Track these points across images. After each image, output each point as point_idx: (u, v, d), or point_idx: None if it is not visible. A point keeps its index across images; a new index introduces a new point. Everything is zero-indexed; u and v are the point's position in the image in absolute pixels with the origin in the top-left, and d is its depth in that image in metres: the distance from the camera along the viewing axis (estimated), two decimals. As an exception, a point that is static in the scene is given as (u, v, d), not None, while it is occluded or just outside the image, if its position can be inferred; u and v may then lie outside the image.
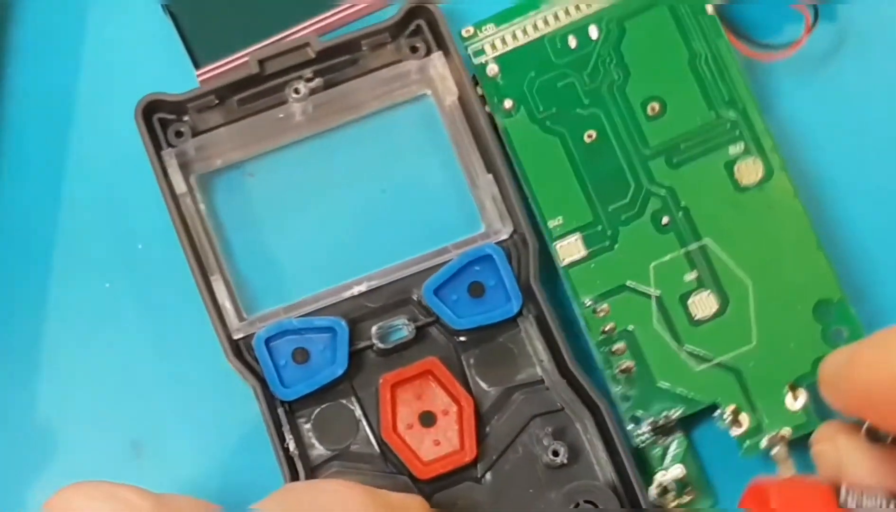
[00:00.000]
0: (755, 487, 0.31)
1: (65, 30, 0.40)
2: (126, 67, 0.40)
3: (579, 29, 0.37)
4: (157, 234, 0.38)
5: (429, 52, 0.39)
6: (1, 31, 0.40)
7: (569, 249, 0.36)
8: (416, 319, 0.37)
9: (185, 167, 0.38)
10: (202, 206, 0.38)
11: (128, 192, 0.39)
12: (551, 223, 0.36)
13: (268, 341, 0.36)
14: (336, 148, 0.39)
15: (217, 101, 0.38)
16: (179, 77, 0.38)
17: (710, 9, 0.37)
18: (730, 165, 0.36)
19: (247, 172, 0.39)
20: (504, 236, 0.37)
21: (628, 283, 0.36)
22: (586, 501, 0.35)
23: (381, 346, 0.36)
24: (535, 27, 0.37)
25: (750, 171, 0.36)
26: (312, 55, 0.38)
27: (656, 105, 0.36)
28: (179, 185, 0.37)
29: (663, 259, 0.36)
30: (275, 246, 0.38)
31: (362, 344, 0.37)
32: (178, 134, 0.38)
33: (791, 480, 0.33)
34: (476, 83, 0.37)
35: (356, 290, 0.37)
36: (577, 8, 0.37)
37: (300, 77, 0.38)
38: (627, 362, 0.36)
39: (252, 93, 0.38)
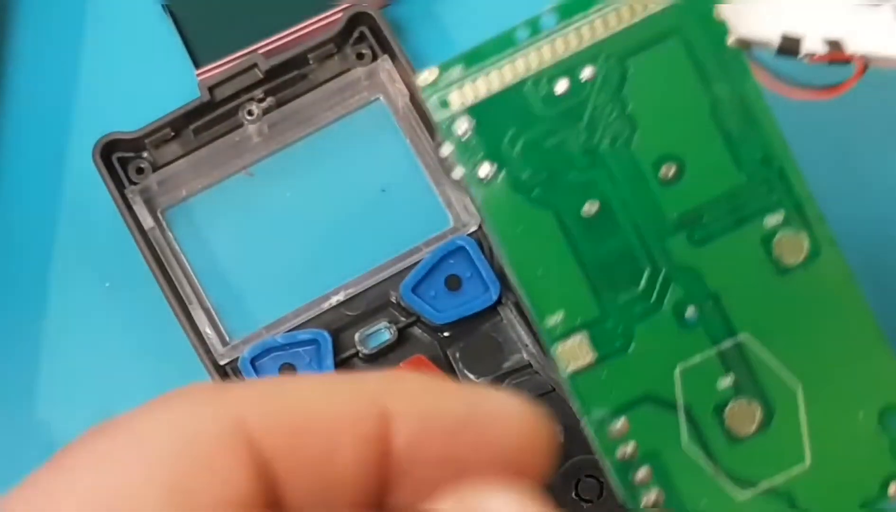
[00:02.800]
0: None
1: (64, 30, 0.41)
2: (125, 67, 0.40)
3: (569, 70, 0.28)
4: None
5: (375, 58, 0.39)
6: None
7: (573, 353, 0.28)
8: (397, 321, 0.37)
9: (150, 202, 0.38)
10: (172, 239, 0.38)
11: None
12: (549, 321, 0.28)
13: (253, 362, 0.36)
14: (297, 163, 0.39)
15: (173, 134, 0.38)
16: (179, 77, 0.39)
17: (731, 40, 0.28)
18: (767, 240, 0.28)
19: (246, 173, 0.39)
20: (473, 227, 0.37)
21: (649, 392, 0.28)
22: (587, 476, 0.35)
23: (366, 352, 0.37)
24: (515, 69, 0.28)
25: (793, 246, 0.28)
26: (261, 75, 0.38)
27: (672, 167, 0.28)
28: (147, 221, 0.37)
29: (691, 361, 0.28)
30: (249, 267, 0.39)
31: (347, 352, 0.37)
32: (139, 170, 0.38)
33: None
34: (438, 145, 0.28)
35: (335, 299, 0.37)
36: (566, 42, 0.28)
37: (252, 99, 0.38)
38: (654, 492, 0.28)
39: (206, 121, 0.38)
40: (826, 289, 0.28)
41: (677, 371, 0.28)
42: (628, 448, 0.28)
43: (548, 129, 0.28)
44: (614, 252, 0.28)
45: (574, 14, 0.28)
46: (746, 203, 0.28)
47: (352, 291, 0.37)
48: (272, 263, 0.39)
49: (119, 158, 0.38)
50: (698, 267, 0.28)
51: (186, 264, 0.38)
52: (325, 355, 0.36)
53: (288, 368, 0.36)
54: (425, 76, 0.28)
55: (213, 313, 0.37)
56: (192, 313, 0.37)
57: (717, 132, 0.28)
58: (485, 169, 0.27)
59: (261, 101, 0.38)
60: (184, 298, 0.37)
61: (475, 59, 0.28)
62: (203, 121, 0.38)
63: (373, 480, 0.24)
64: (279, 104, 0.39)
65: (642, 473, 0.28)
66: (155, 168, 0.38)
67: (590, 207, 0.28)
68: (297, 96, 0.39)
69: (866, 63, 0.31)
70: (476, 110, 0.28)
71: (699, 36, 0.28)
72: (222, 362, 0.36)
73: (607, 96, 0.28)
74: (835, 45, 0.31)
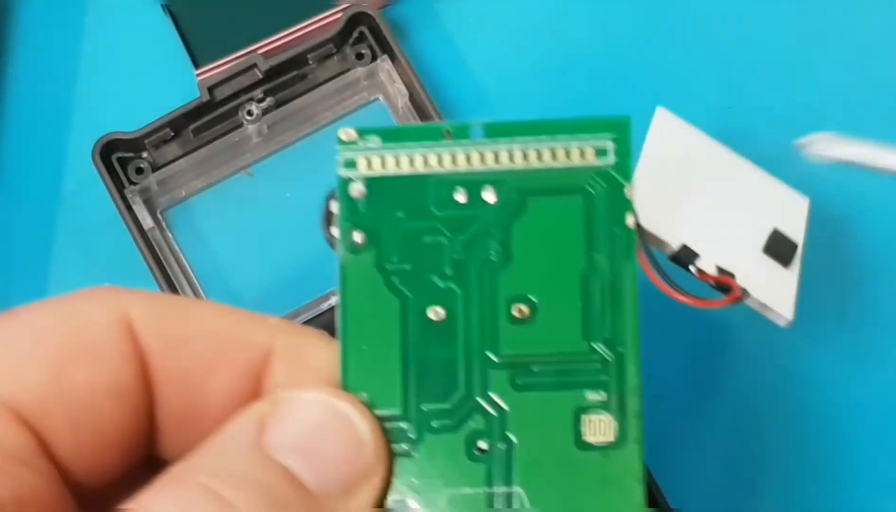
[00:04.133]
0: None
1: (64, 30, 0.41)
2: (125, 68, 0.40)
3: (474, 184, 0.29)
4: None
5: (374, 58, 0.39)
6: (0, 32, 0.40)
7: None
8: (397, 321, 0.37)
9: (149, 203, 0.38)
10: (172, 239, 0.38)
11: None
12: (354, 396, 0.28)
13: None
14: (296, 163, 0.39)
15: (173, 134, 0.38)
16: (179, 77, 0.39)
17: (630, 220, 0.28)
18: (579, 412, 0.28)
19: (245, 172, 0.39)
20: (473, 228, 0.37)
21: (411, 502, 0.28)
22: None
23: (365, 352, 0.37)
24: (426, 161, 0.29)
25: (600, 428, 0.29)
26: (260, 75, 0.38)
27: (525, 309, 0.28)
28: (146, 221, 0.37)
29: (462, 490, 0.28)
30: (249, 267, 0.39)
31: (347, 352, 0.37)
32: (139, 170, 0.38)
33: None
34: (332, 197, 0.29)
35: (334, 300, 0.37)
36: (481, 157, 0.29)
37: (251, 99, 0.38)
38: None
39: (206, 121, 0.38)
40: (614, 481, 0.28)
41: (445, 494, 0.28)
42: None
43: (431, 228, 0.28)
44: (439, 362, 0.28)
45: (499, 136, 0.28)
46: (576, 371, 0.28)
47: (351, 291, 0.37)
48: (271, 264, 0.39)
49: (119, 158, 0.38)
50: (507, 409, 0.28)
51: (186, 264, 0.38)
52: (324, 355, 0.36)
53: None
54: (346, 134, 0.28)
55: (213, 313, 0.37)
56: (192, 313, 0.37)
57: (580, 296, 0.28)
58: (359, 236, 0.28)
59: (260, 101, 0.38)
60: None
61: (394, 137, 0.29)
62: (203, 121, 0.38)
63: (235, 409, 0.25)
64: (279, 104, 0.39)
65: None
66: (155, 168, 0.38)
67: (436, 313, 0.28)
68: (297, 96, 0.39)
69: (743, 295, 0.32)
70: (374, 182, 0.28)
71: (603, 204, 0.28)
72: (221, 362, 0.36)
73: (496, 222, 0.28)
74: (727, 273, 0.33)
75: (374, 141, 0.28)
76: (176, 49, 0.39)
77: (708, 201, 0.34)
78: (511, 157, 0.29)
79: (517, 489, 0.28)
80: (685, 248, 0.33)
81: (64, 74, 0.40)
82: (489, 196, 0.28)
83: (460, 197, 0.28)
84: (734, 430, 0.38)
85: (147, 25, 0.40)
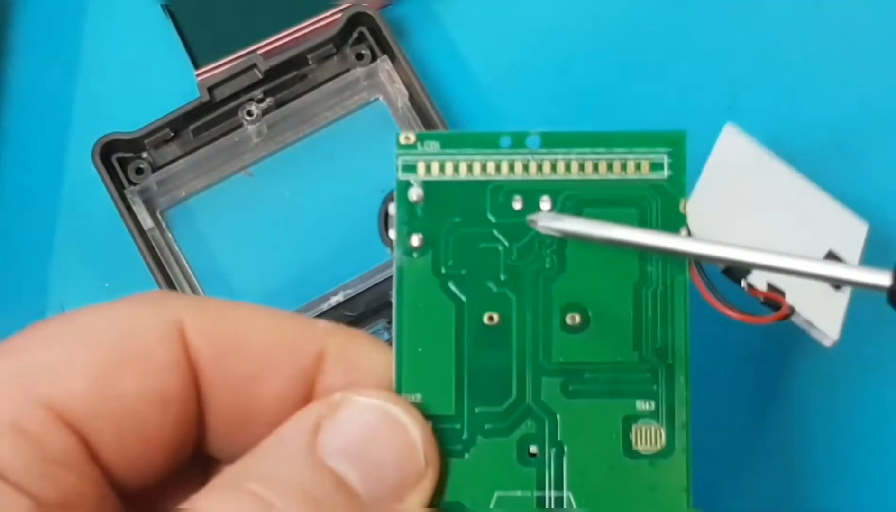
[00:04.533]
0: None
1: (64, 29, 0.41)
2: (125, 68, 0.40)
3: (531, 192, 0.29)
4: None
5: (374, 58, 0.39)
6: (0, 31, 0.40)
7: None
8: (396, 322, 0.37)
9: (149, 203, 0.38)
10: (172, 239, 0.38)
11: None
12: (408, 397, 0.29)
13: None
14: (296, 163, 0.39)
15: (172, 134, 0.38)
16: (178, 77, 0.39)
17: (682, 233, 0.29)
18: (629, 421, 0.29)
19: (245, 173, 0.39)
20: (473, 229, 0.37)
21: (465, 503, 0.29)
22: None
23: (366, 352, 0.37)
24: (484, 168, 0.29)
25: (649, 437, 0.29)
26: (260, 76, 0.38)
27: (578, 317, 0.29)
28: (146, 221, 0.37)
29: (511, 493, 0.29)
30: (249, 267, 0.39)
31: (348, 353, 0.37)
32: (139, 171, 0.38)
33: None
34: (391, 199, 0.29)
35: (334, 300, 0.37)
36: (539, 167, 0.29)
37: (251, 99, 0.38)
38: None
39: (205, 121, 0.38)
40: (660, 489, 0.29)
41: (495, 496, 0.29)
42: None
43: (487, 234, 0.29)
44: (493, 366, 0.29)
45: (557, 146, 0.29)
46: (627, 380, 0.29)
47: (351, 292, 0.37)
48: (272, 264, 0.39)
49: (118, 159, 0.38)
50: (559, 415, 0.29)
51: (186, 264, 0.38)
52: (325, 356, 0.36)
53: None
54: (406, 137, 0.29)
55: (213, 314, 0.37)
56: (192, 314, 0.37)
57: (632, 307, 0.29)
58: (417, 240, 0.29)
59: (260, 101, 0.38)
60: (184, 299, 0.37)
61: (454, 143, 0.29)
62: (202, 121, 0.38)
63: (287, 413, 0.25)
64: (278, 104, 0.39)
65: None
66: (154, 168, 0.38)
67: (490, 318, 0.29)
68: (297, 96, 0.39)
69: (790, 313, 0.32)
70: (433, 187, 0.29)
71: (657, 217, 0.29)
72: (222, 363, 0.36)
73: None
74: (776, 290, 0.33)
75: (433, 145, 0.29)
76: (176, 49, 0.39)
77: (765, 217, 0.35)
78: (568, 167, 0.29)
79: (567, 494, 0.29)
80: (737, 264, 0.32)
81: (64, 74, 0.40)
82: (545, 205, 0.29)
83: (517, 204, 0.29)
84: (782, 442, 0.38)
85: (147, 25, 0.40)
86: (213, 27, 0.39)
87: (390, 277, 0.37)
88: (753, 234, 0.34)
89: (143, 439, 0.25)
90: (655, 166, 0.29)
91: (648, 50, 0.41)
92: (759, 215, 0.35)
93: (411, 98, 0.38)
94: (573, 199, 0.29)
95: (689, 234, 0.29)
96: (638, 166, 0.29)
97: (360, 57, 0.39)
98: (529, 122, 0.39)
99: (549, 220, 0.28)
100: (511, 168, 0.29)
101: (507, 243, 0.29)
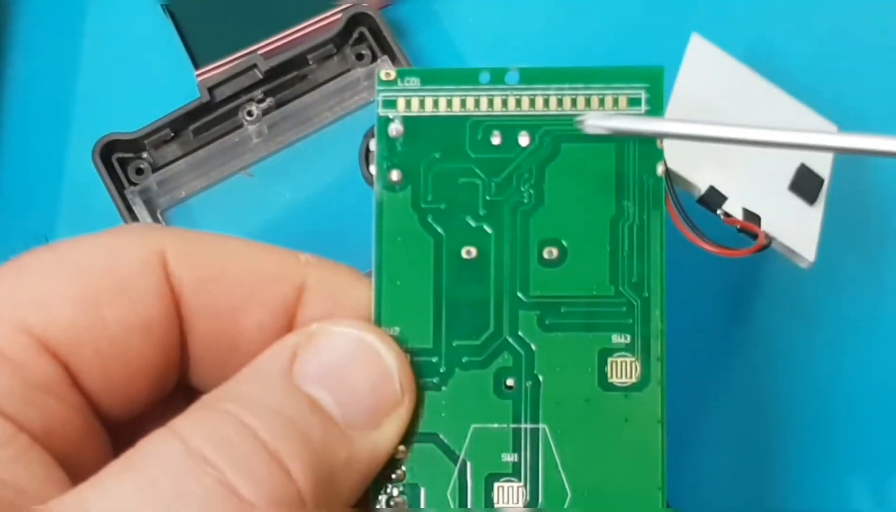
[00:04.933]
0: None
1: (64, 29, 0.41)
2: (125, 68, 0.40)
3: (510, 127, 0.29)
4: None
5: (375, 58, 0.39)
6: None
7: None
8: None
9: (149, 203, 0.38)
10: (172, 239, 0.38)
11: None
12: (387, 330, 0.29)
13: None
14: (296, 163, 0.39)
15: (173, 135, 0.38)
16: (179, 78, 0.39)
17: (660, 169, 0.29)
18: (605, 355, 0.29)
19: (245, 173, 0.39)
20: (474, 226, 0.37)
21: (439, 435, 0.29)
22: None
23: (366, 351, 0.37)
24: (464, 103, 0.30)
25: (624, 370, 0.29)
26: (261, 76, 0.38)
27: (555, 251, 0.29)
28: (146, 221, 0.37)
29: (488, 426, 0.29)
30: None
31: (347, 352, 0.37)
32: (139, 171, 0.38)
33: None
34: (371, 135, 0.30)
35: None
36: (517, 102, 0.30)
37: (251, 99, 0.38)
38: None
39: (206, 121, 0.38)
40: (635, 420, 0.29)
41: (471, 428, 0.29)
42: (398, 472, 0.28)
43: (466, 169, 0.29)
44: (470, 300, 0.29)
45: (536, 82, 0.30)
46: (603, 313, 0.29)
47: (353, 291, 0.37)
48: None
49: (119, 159, 0.38)
50: (535, 348, 0.29)
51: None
52: (324, 355, 0.36)
53: None
54: (386, 73, 0.29)
55: (213, 313, 0.37)
56: (192, 313, 0.37)
57: (608, 241, 0.29)
58: (396, 175, 0.29)
59: (260, 101, 0.38)
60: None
61: (434, 79, 0.29)
62: (203, 121, 0.38)
63: (269, 343, 0.25)
64: (279, 105, 0.39)
65: (397, 495, 0.29)
66: (154, 169, 0.38)
67: (468, 252, 0.29)
68: (297, 97, 0.39)
69: (768, 243, 0.32)
70: (413, 121, 0.29)
71: (634, 151, 0.29)
72: (221, 362, 0.37)
73: (530, 166, 0.29)
74: (752, 217, 0.33)
75: (413, 82, 0.29)
76: (176, 49, 0.39)
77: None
78: (546, 103, 0.30)
79: (544, 426, 0.29)
80: (712, 191, 0.33)
81: (64, 75, 0.40)
82: (524, 140, 0.29)
83: (496, 139, 0.29)
84: (756, 366, 0.38)
85: (147, 26, 0.40)
86: (213, 27, 0.39)
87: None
88: (727, 152, 0.33)
89: (126, 367, 0.25)
90: (633, 101, 0.29)
91: (650, 52, 0.41)
92: (737, 118, 0.34)
93: (411, 98, 0.39)
94: (551, 134, 0.29)
95: (667, 169, 0.29)
96: (616, 101, 0.29)
97: (360, 57, 0.39)
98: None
99: (598, 120, 0.29)
100: (490, 103, 0.30)
101: (485, 178, 0.29)
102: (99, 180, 0.37)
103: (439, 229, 0.29)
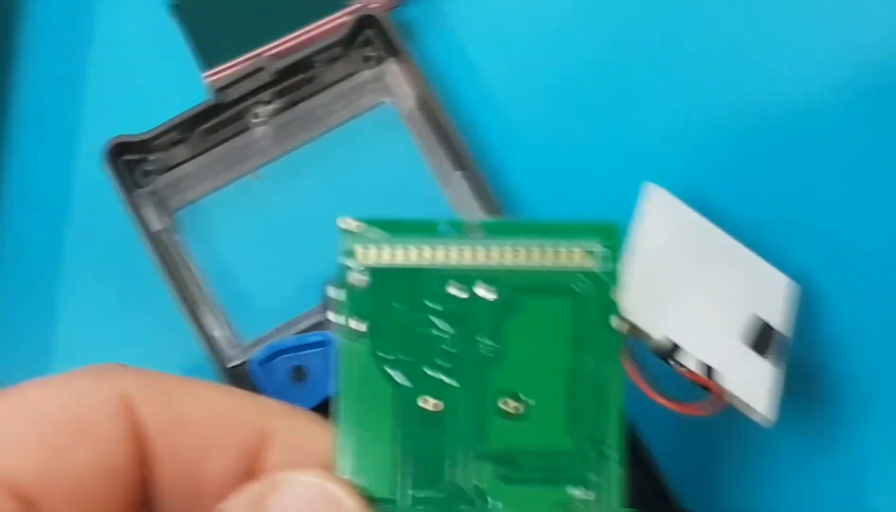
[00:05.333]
0: None
1: (71, 32, 0.41)
2: (134, 70, 0.40)
3: (469, 279, 0.30)
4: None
5: (382, 60, 0.39)
6: (8, 33, 0.40)
7: None
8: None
9: (158, 205, 0.38)
10: (180, 241, 0.38)
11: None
12: (349, 480, 0.29)
13: (263, 364, 0.36)
14: (304, 166, 0.39)
15: (181, 136, 0.38)
16: (187, 79, 0.39)
17: (616, 323, 0.30)
18: (564, 506, 0.30)
19: (252, 175, 0.39)
20: (481, 228, 0.37)
21: None
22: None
23: (374, 354, 0.37)
24: (424, 254, 0.30)
25: None
26: (269, 78, 0.38)
27: (514, 404, 0.29)
28: (155, 224, 0.38)
29: None
30: (258, 269, 0.39)
31: (356, 355, 0.37)
32: (148, 173, 0.38)
33: None
34: (330, 282, 0.31)
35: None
36: (474, 254, 0.30)
37: (259, 101, 0.38)
38: None
39: (214, 123, 0.38)
40: None
41: None
42: None
43: (426, 320, 0.29)
44: (429, 451, 0.29)
45: (496, 234, 0.30)
46: (561, 467, 0.29)
47: (359, 294, 0.37)
48: (281, 266, 0.39)
49: (127, 161, 0.38)
50: (495, 501, 0.29)
51: (195, 267, 0.38)
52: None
53: (298, 370, 0.36)
54: (350, 224, 0.30)
55: (222, 316, 0.38)
56: (201, 316, 0.37)
57: (566, 395, 0.29)
58: (357, 324, 0.29)
59: (268, 103, 0.38)
60: (193, 300, 0.37)
61: (395, 229, 0.30)
62: (211, 123, 0.38)
63: (233, 488, 0.26)
64: (287, 106, 0.39)
65: None
66: (163, 170, 0.38)
67: (427, 403, 0.29)
68: (305, 99, 0.39)
69: (725, 401, 0.32)
70: (374, 272, 0.30)
71: (590, 305, 0.29)
72: (231, 365, 0.37)
73: (489, 318, 0.29)
74: (706, 370, 0.33)
75: (375, 231, 0.30)
76: (184, 52, 0.39)
77: (694, 286, 0.35)
78: (503, 255, 0.30)
79: None
80: (667, 341, 0.33)
81: (72, 77, 0.40)
82: (483, 292, 0.29)
83: (455, 291, 0.29)
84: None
85: (155, 28, 0.40)
86: (221, 29, 0.39)
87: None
88: (683, 302, 0.34)
89: (93, 509, 0.26)
90: (590, 255, 0.29)
91: (656, 51, 0.41)
92: (688, 282, 0.35)
93: (419, 100, 0.39)
94: (511, 286, 0.30)
95: (625, 322, 0.29)
96: (572, 255, 0.30)
97: (367, 59, 0.39)
98: (537, 125, 0.40)
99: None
100: (450, 255, 0.30)
101: (445, 329, 0.29)
102: (108, 182, 0.37)
103: (398, 380, 0.29)
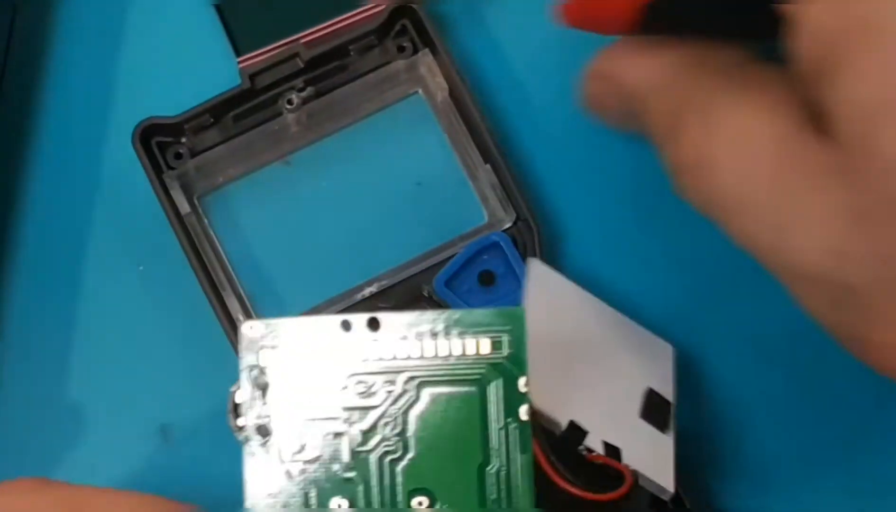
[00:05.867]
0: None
1: (106, 15, 0.41)
2: (168, 53, 0.40)
3: (371, 374, 0.30)
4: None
5: (416, 51, 0.39)
6: (45, 13, 0.41)
7: None
8: (429, 315, 0.37)
9: (187, 188, 0.38)
10: (207, 225, 0.38)
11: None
12: None
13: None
14: (334, 154, 0.39)
15: (213, 120, 0.38)
16: (220, 64, 0.39)
17: (524, 412, 0.29)
18: None
19: (282, 162, 0.39)
20: (508, 224, 0.37)
21: None
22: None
23: (396, 344, 0.37)
24: (328, 351, 0.30)
25: None
26: (302, 65, 0.38)
27: (425, 500, 0.29)
28: (183, 206, 0.38)
29: None
30: (283, 256, 0.39)
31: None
32: (178, 156, 0.38)
33: None
34: (237, 388, 0.30)
35: (367, 291, 0.37)
36: (378, 348, 0.30)
37: (292, 88, 0.38)
38: None
39: (246, 108, 0.38)
40: None
41: None
42: None
43: (332, 419, 0.29)
44: None
45: (397, 327, 0.29)
46: None
47: (385, 284, 0.37)
48: (306, 253, 0.39)
49: (158, 143, 0.38)
50: None
51: (221, 250, 0.38)
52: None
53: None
54: (249, 326, 0.30)
55: (246, 300, 0.38)
56: (225, 299, 0.37)
57: (477, 488, 0.29)
58: (262, 426, 0.29)
59: (301, 90, 0.38)
60: (217, 284, 0.37)
61: (298, 326, 0.30)
62: (243, 108, 0.38)
63: None
64: (319, 94, 0.39)
65: None
66: (193, 154, 0.38)
67: (337, 503, 0.29)
68: (337, 87, 0.39)
69: (636, 479, 0.32)
70: (275, 372, 0.30)
71: (499, 395, 0.29)
72: (253, 349, 0.37)
73: (395, 413, 0.29)
74: (612, 451, 0.33)
75: (277, 330, 0.29)
76: (218, 37, 0.39)
77: (588, 365, 0.35)
78: (408, 349, 0.29)
79: None
80: (573, 426, 0.33)
81: (106, 58, 0.40)
82: (387, 386, 0.29)
83: (359, 387, 0.29)
84: None
85: (190, 13, 0.40)
86: (255, 16, 0.39)
87: (424, 270, 0.37)
88: (582, 382, 0.34)
89: None
90: (496, 345, 0.29)
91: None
92: (583, 361, 0.35)
93: (451, 92, 0.38)
94: (415, 379, 0.29)
95: (533, 411, 0.29)
96: (478, 346, 0.29)
97: (401, 49, 0.39)
98: (571, 120, 0.39)
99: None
100: (353, 350, 0.29)
101: (351, 427, 0.29)
102: (137, 163, 0.37)
103: (307, 482, 0.29)
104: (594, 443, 0.33)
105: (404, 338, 0.29)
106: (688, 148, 0.28)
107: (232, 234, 0.38)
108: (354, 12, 0.39)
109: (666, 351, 0.36)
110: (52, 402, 0.38)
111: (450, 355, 0.29)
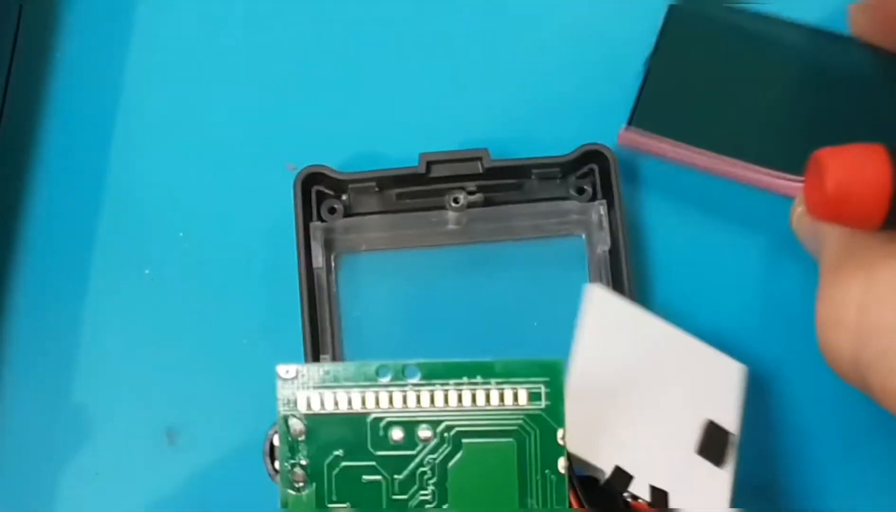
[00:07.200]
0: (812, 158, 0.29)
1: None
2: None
3: (410, 424, 0.30)
4: (197, 223, 0.40)
5: (594, 198, 0.39)
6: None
7: None
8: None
9: (328, 244, 0.38)
10: (334, 281, 0.38)
11: (176, 177, 0.40)
12: None
13: None
14: (479, 261, 0.39)
15: (377, 189, 0.38)
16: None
17: (561, 465, 0.29)
18: None
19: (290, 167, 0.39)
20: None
21: None
22: None
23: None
24: (364, 400, 0.30)
25: None
26: (481, 170, 0.38)
27: None
28: (318, 259, 0.38)
29: None
30: (391, 338, 0.39)
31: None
32: (332, 210, 0.39)
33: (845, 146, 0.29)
34: (275, 431, 0.31)
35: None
36: (418, 398, 0.30)
37: (463, 188, 0.38)
38: None
39: (413, 191, 0.38)
40: None
41: None
42: None
43: (369, 467, 0.30)
44: None
45: (436, 376, 0.30)
46: None
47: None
48: (416, 343, 0.38)
49: (318, 192, 0.38)
50: None
51: (337, 312, 0.38)
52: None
53: None
54: (286, 370, 0.30)
55: (338, 364, 0.38)
56: (321, 358, 0.37)
57: None
58: (299, 473, 0.30)
59: (471, 193, 0.38)
60: (320, 342, 0.37)
61: (334, 376, 0.30)
62: (410, 190, 0.38)
63: None
64: (486, 203, 0.38)
65: None
66: (347, 214, 0.39)
67: None
68: (507, 203, 0.39)
69: None
70: (315, 420, 0.30)
71: (535, 447, 0.29)
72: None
73: (433, 462, 0.30)
74: (659, 496, 0.32)
75: (315, 379, 0.30)
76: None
77: (645, 394, 0.34)
78: (446, 399, 0.30)
79: None
80: (618, 472, 0.32)
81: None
82: (425, 436, 0.30)
83: (397, 436, 0.30)
84: None
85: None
86: (672, 102, 0.38)
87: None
88: (631, 419, 0.33)
89: None
90: (534, 396, 0.29)
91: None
92: (636, 395, 0.33)
93: (612, 249, 0.38)
94: (452, 430, 0.30)
95: (569, 464, 0.29)
96: (516, 397, 0.30)
97: (580, 191, 0.39)
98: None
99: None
100: (390, 400, 0.30)
101: (388, 476, 0.30)
102: (290, 205, 0.38)
103: None
104: (640, 488, 0.32)
105: (444, 387, 0.30)
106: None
107: (353, 300, 0.38)
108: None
109: (736, 373, 0.35)
110: (59, 405, 0.38)
111: (488, 406, 0.30)
